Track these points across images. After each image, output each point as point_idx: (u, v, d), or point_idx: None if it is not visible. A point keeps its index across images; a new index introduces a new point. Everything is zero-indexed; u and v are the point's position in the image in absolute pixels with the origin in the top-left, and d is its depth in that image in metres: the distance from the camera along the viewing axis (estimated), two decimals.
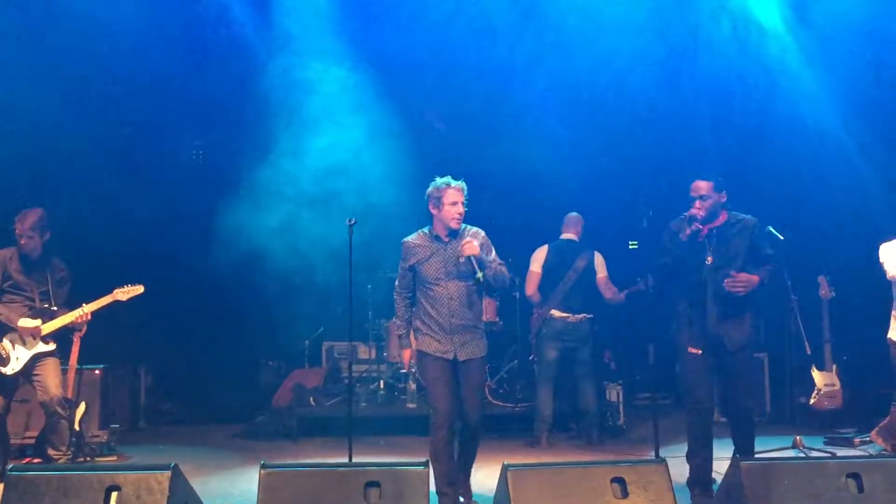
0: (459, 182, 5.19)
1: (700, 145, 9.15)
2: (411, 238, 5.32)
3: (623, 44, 8.32)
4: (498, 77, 9.07)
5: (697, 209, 5.20)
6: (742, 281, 5.13)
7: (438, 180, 5.21)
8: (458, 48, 8.52)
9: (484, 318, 8.06)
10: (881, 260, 5.94)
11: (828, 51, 8.13)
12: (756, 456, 5.69)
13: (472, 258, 5.04)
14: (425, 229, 5.32)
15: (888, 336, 5.97)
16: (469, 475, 5.37)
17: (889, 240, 5.99)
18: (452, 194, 5.15)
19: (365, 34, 8.51)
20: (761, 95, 8.73)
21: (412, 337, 5.34)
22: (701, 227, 5.17)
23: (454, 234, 5.21)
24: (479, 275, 5.04)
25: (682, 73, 8.90)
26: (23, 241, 5.97)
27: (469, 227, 5.28)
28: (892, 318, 5.97)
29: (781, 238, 6.48)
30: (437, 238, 5.24)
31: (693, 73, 8.77)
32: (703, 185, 5.24)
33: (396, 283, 5.40)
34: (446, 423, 5.06)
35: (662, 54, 8.61)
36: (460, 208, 5.17)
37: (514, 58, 8.74)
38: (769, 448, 6.63)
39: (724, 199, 5.27)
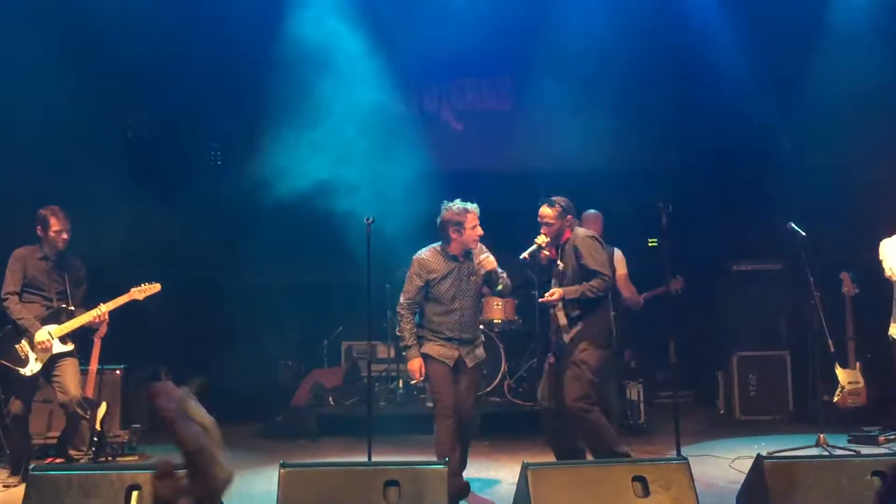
0: (475, 205, 5.42)
1: (720, 141, 9.08)
2: (426, 255, 5.48)
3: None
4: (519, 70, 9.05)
5: (543, 235, 5.47)
6: (547, 296, 5.39)
7: (453, 206, 5.38)
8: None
9: (503, 316, 8.20)
10: (880, 258, 5.87)
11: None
12: (779, 454, 5.66)
13: (493, 271, 5.40)
14: (437, 246, 5.49)
15: (889, 333, 5.90)
16: (466, 457, 5.62)
17: (891, 235, 5.92)
18: (472, 218, 5.38)
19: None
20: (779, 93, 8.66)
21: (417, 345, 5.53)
22: (546, 251, 5.48)
23: (468, 254, 5.47)
24: (501, 285, 5.47)
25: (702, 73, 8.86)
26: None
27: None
28: (892, 314, 5.90)
29: (803, 234, 6.42)
30: (454, 258, 5.45)
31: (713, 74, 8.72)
32: (547, 213, 5.49)
33: (403, 298, 5.51)
34: (453, 415, 5.30)
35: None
36: (479, 230, 5.42)
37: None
38: (793, 446, 6.56)
39: (569, 222, 5.49)
